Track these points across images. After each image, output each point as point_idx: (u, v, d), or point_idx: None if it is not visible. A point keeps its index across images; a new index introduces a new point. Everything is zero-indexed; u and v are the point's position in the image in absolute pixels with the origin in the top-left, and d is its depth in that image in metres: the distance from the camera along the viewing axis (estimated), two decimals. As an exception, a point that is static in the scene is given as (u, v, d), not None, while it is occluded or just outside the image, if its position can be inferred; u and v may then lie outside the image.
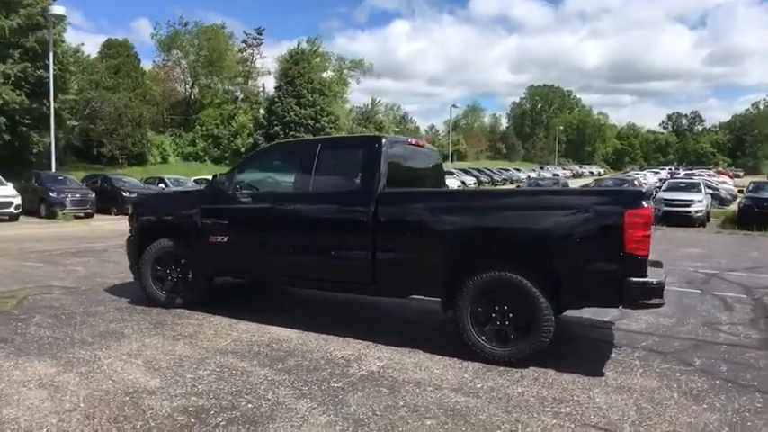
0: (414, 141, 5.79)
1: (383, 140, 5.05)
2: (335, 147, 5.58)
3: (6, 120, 22.71)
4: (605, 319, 5.90)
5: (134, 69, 37.11)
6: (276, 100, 46.74)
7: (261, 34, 53.81)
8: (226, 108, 47.76)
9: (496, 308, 4.35)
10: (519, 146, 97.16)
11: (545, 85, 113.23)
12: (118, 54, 36.20)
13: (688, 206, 18.65)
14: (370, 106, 72.47)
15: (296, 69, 46.47)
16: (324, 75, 57.64)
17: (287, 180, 5.67)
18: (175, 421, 3.35)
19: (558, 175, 57.35)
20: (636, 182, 31.07)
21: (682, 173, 46.81)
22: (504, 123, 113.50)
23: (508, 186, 46.68)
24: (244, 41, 52.73)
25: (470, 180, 48.82)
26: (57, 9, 20.32)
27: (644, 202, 3.97)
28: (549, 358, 4.40)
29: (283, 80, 46.86)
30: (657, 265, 4.97)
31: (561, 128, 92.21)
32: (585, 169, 75.15)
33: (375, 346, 4.86)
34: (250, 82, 53.27)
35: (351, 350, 4.75)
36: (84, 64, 32.61)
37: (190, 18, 68.32)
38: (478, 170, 56.35)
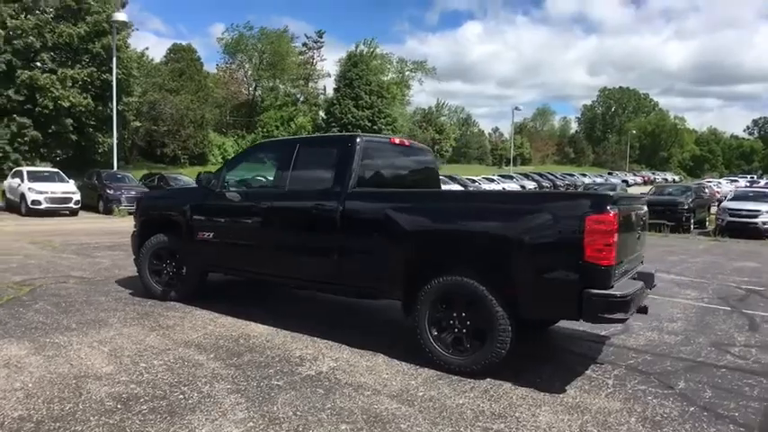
0: (399, 141, 5.64)
1: (357, 140, 4.97)
2: (312, 145, 5.55)
3: (74, 121, 24.52)
4: (602, 333, 5.53)
5: (197, 72, 38.93)
6: (334, 102, 47.67)
7: (321, 37, 55.01)
8: (286, 110, 49.11)
9: (454, 314, 4.16)
10: (588, 150, 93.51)
11: (619, 88, 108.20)
12: (182, 58, 38.10)
13: (755, 217, 17.21)
14: (434, 108, 72.51)
15: (354, 72, 47.19)
16: (384, 77, 58.14)
17: (269, 178, 5.70)
18: (103, 406, 3.44)
19: (626, 182, 54.71)
20: (707, 190, 29.06)
21: (763, 182, 43.27)
22: (574, 127, 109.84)
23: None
24: (304, 44, 54.08)
25: (530, 185, 47.40)
26: (119, 16, 21.59)
27: (608, 207, 3.65)
28: (516, 370, 4.19)
29: (342, 82, 47.71)
30: (646, 277, 4.59)
31: (634, 132, 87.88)
32: (659, 176, 71.10)
33: (340, 347, 4.78)
34: (310, 84, 54.51)
35: (312, 350, 4.69)
36: (148, 68, 34.57)
37: (263, 22, 70.30)
38: (540, 174, 54.63)
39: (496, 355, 3.97)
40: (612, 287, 3.70)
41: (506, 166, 64.10)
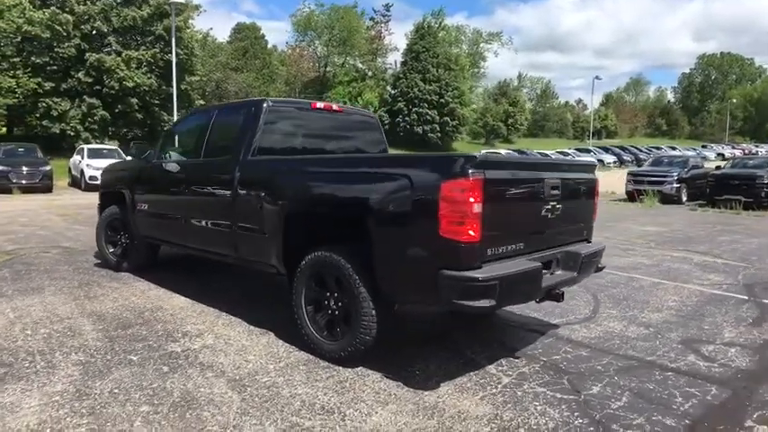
0: (324, 105, 5.14)
1: (263, 105, 4.57)
2: (226, 113, 5.17)
3: (138, 100, 25.82)
4: (553, 321, 4.86)
5: (261, 51, 39.53)
6: (401, 76, 46.84)
7: (389, 10, 54.19)
8: (354, 86, 49.02)
9: (327, 294, 3.73)
10: (684, 122, 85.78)
11: (720, 54, 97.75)
12: (246, 37, 38.85)
13: None
14: (516, 81, 69.80)
15: (421, 44, 46.00)
16: (456, 50, 56.34)
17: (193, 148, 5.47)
18: (-58, 373, 3.42)
19: (721, 155, 49.58)
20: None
21: None
22: (670, 97, 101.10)
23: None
24: (371, 18, 53.47)
25: (610, 158, 44.38)
26: (177, -2, 22.23)
27: (469, 171, 3.01)
28: (403, 359, 3.77)
29: (409, 56, 46.73)
30: (572, 258, 3.88)
31: (734, 101, 79.15)
32: (762, 148, 63.76)
33: (240, 323, 4.53)
34: (379, 59, 53.93)
35: (207, 325, 4.47)
36: (212, 47, 35.55)
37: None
38: (622, 148, 50.92)
39: (361, 342, 3.50)
40: (480, 268, 3.09)
41: (589, 139, 60.30)
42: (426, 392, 3.33)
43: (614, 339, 4.47)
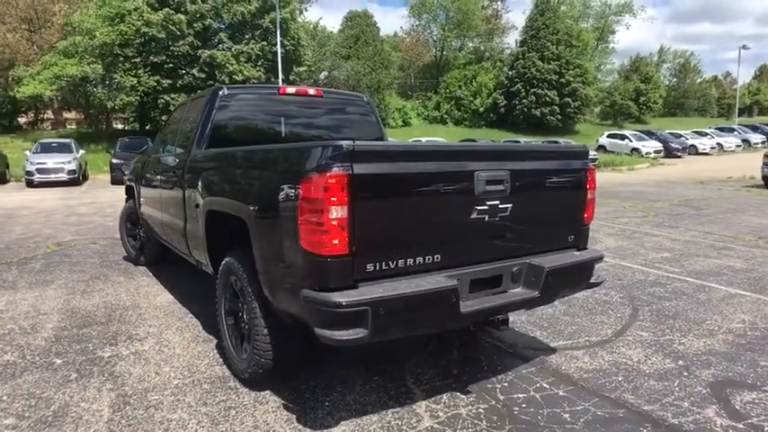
0: (296, 90, 4.64)
1: (219, 92, 4.25)
2: (193, 103, 4.84)
3: (248, 93, 27.08)
4: (554, 344, 4.02)
5: (373, 38, 39.50)
6: (518, 56, 44.31)
7: (505, -12, 51.38)
8: (469, 68, 47.41)
9: (240, 305, 3.32)
10: None
11: None
12: (356, 24, 39.06)
13: None
14: (656, 55, 63.35)
15: (540, 21, 43.06)
16: (583, 24, 52.14)
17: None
18: None
19: None
20: None
21: None
22: None
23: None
24: (487, -2, 51.10)
25: (758, 138, 38.29)
26: (282, -9, 23.01)
27: (332, 164, 2.37)
28: (323, 384, 3.29)
29: (528, 34, 44.04)
30: (533, 272, 3.06)
31: None
32: None
33: (194, 328, 4.31)
34: (496, 39, 51.53)
35: (160, 329, 4.29)
36: (321, 36, 36.12)
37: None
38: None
39: (257, 364, 3.04)
40: (353, 288, 2.45)
41: (735, 117, 52.51)
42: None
43: (618, 375, 3.51)
